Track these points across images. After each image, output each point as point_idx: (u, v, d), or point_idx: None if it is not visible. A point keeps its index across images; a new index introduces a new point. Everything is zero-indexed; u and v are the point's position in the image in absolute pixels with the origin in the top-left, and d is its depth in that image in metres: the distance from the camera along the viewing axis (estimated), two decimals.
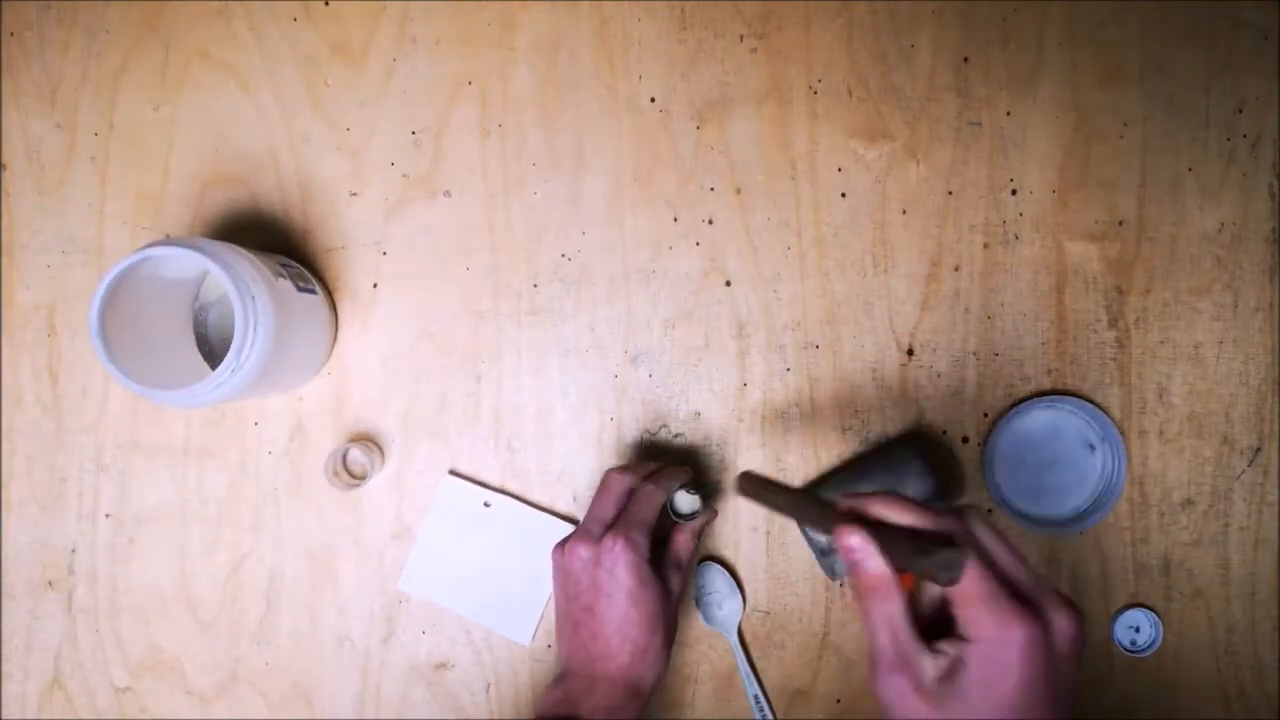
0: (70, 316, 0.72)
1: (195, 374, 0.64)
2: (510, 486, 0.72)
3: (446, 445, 0.72)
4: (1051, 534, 0.71)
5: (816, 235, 0.71)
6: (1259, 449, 0.72)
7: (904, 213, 0.71)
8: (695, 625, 0.71)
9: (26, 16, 0.72)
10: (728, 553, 0.71)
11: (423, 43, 0.71)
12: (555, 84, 0.72)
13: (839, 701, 0.71)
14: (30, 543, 0.72)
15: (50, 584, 0.71)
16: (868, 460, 0.69)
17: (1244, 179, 0.71)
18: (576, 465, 0.71)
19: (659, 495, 0.62)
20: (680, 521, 0.67)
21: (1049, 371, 0.71)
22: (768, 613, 0.71)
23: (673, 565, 0.64)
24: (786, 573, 0.71)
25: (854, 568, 0.45)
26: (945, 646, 0.44)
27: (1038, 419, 0.71)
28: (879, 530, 0.45)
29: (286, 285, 0.62)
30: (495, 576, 0.71)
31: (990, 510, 0.71)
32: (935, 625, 0.46)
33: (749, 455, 0.71)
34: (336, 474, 0.69)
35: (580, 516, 0.71)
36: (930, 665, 0.44)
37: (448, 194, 0.72)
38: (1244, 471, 0.72)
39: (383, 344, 0.72)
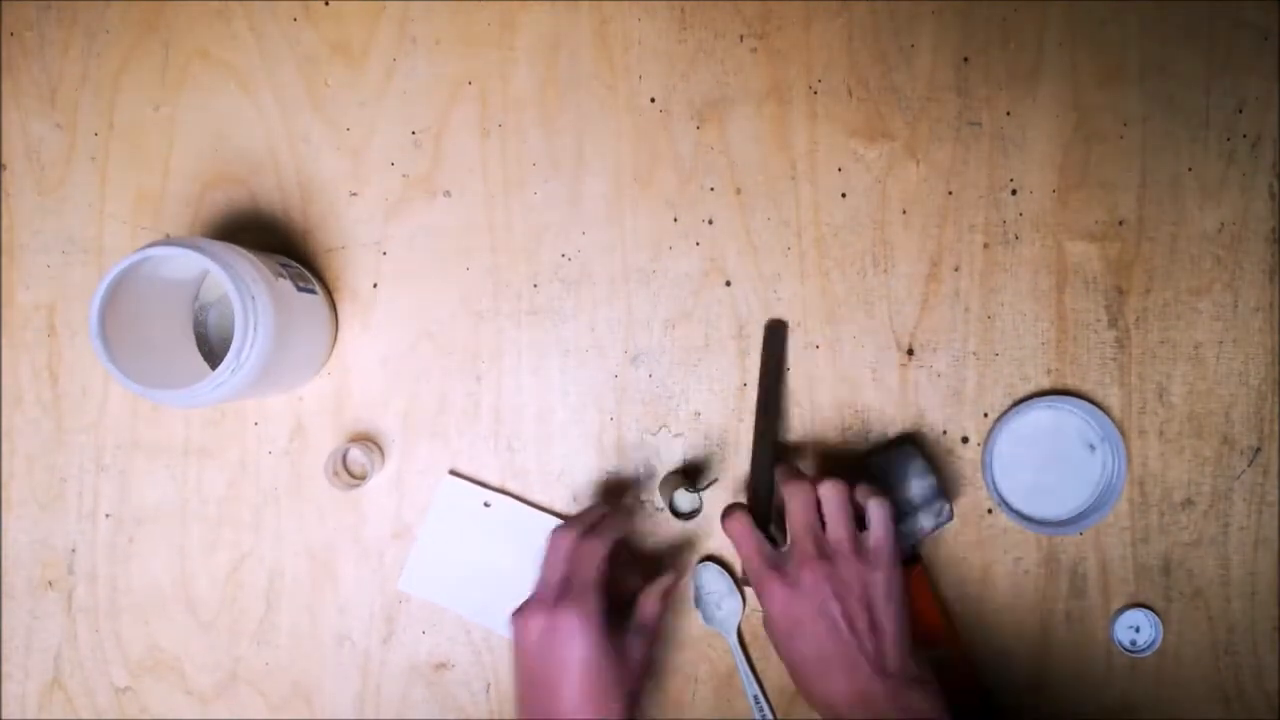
0: (70, 316, 0.72)
1: (195, 374, 0.64)
2: (510, 486, 0.72)
3: (446, 445, 0.72)
4: (1051, 534, 0.71)
5: (816, 235, 0.71)
6: (1259, 449, 0.72)
7: (904, 213, 0.71)
8: (695, 624, 0.71)
9: (26, 16, 0.72)
10: (728, 552, 0.71)
11: (423, 43, 0.72)
12: (555, 84, 0.72)
13: None
14: (30, 542, 0.72)
15: (50, 584, 0.71)
16: (868, 460, 0.69)
17: (1244, 179, 0.71)
18: (576, 465, 0.71)
19: (599, 549, 0.60)
20: (680, 520, 0.67)
21: (1049, 371, 0.71)
22: None
23: (635, 630, 0.61)
24: None
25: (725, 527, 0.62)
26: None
27: (1038, 419, 0.71)
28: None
29: (286, 285, 0.62)
30: (495, 576, 0.71)
31: (990, 510, 0.71)
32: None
33: (748, 455, 0.71)
34: (336, 474, 0.69)
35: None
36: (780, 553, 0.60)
37: (448, 194, 0.72)
38: (1244, 471, 0.72)
39: (383, 344, 0.72)
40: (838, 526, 0.59)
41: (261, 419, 0.72)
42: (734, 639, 0.70)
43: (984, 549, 0.71)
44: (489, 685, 0.72)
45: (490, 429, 0.72)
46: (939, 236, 0.71)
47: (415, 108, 0.72)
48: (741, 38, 0.71)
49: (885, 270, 0.71)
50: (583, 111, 0.72)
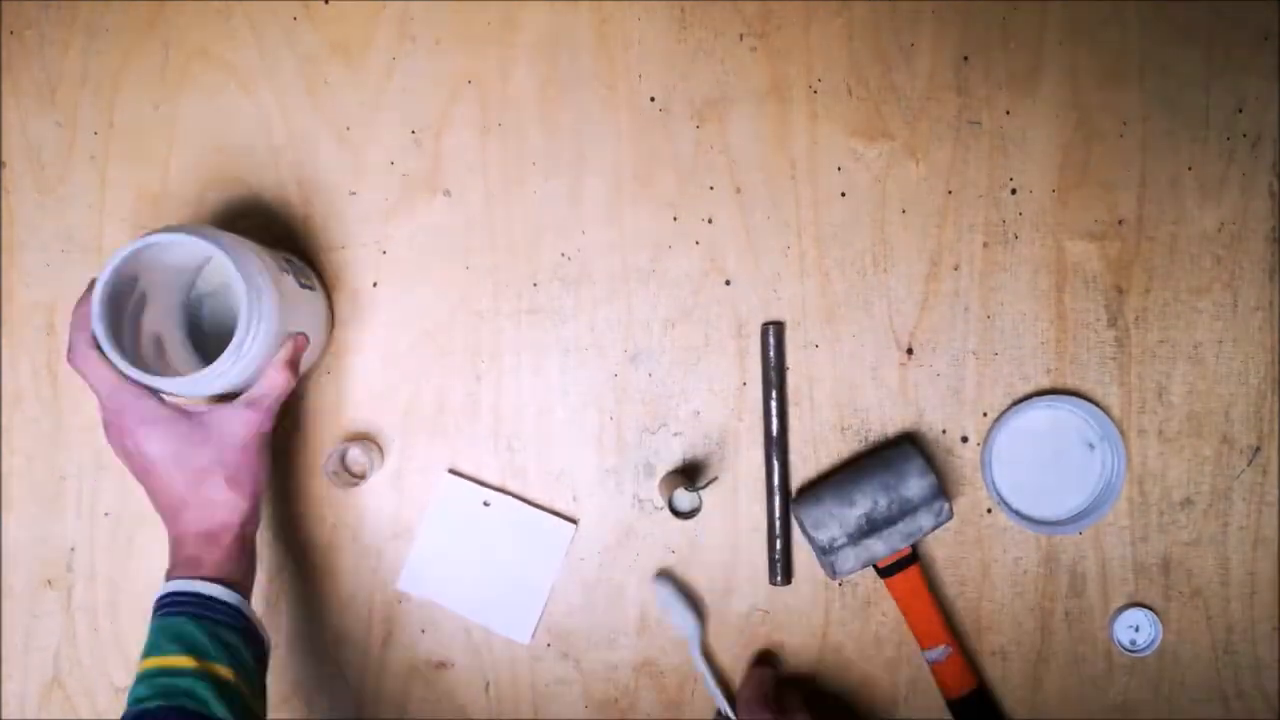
0: (70, 315, 0.72)
1: (185, 363, 0.64)
2: (510, 486, 0.72)
3: (446, 444, 0.72)
4: (1051, 533, 0.71)
5: (816, 235, 0.71)
6: (1258, 448, 0.72)
7: (904, 212, 0.71)
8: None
9: (26, 15, 0.72)
10: (726, 554, 0.71)
11: (422, 42, 0.72)
12: (555, 83, 0.72)
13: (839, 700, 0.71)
14: (29, 541, 0.71)
15: (49, 582, 0.71)
16: (867, 460, 0.69)
17: (1244, 179, 0.71)
18: (576, 465, 0.71)
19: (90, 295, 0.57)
20: (680, 519, 0.67)
21: (1048, 371, 0.71)
22: (768, 612, 0.71)
23: (244, 403, 0.59)
24: None
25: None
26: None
27: (1037, 418, 0.71)
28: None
29: (289, 280, 0.63)
30: (494, 576, 0.71)
31: (990, 509, 0.71)
32: None
33: (749, 455, 0.71)
34: (336, 473, 0.69)
35: (580, 516, 0.71)
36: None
37: (447, 193, 0.72)
38: (1243, 471, 0.72)
39: (383, 343, 0.72)
40: None
41: None
42: (695, 653, 0.69)
43: (983, 548, 0.71)
44: (488, 685, 0.72)
45: (490, 428, 0.72)
46: (938, 236, 0.71)
47: (415, 107, 0.72)
48: (741, 37, 0.71)
49: (885, 270, 0.71)
50: (583, 111, 0.72)
